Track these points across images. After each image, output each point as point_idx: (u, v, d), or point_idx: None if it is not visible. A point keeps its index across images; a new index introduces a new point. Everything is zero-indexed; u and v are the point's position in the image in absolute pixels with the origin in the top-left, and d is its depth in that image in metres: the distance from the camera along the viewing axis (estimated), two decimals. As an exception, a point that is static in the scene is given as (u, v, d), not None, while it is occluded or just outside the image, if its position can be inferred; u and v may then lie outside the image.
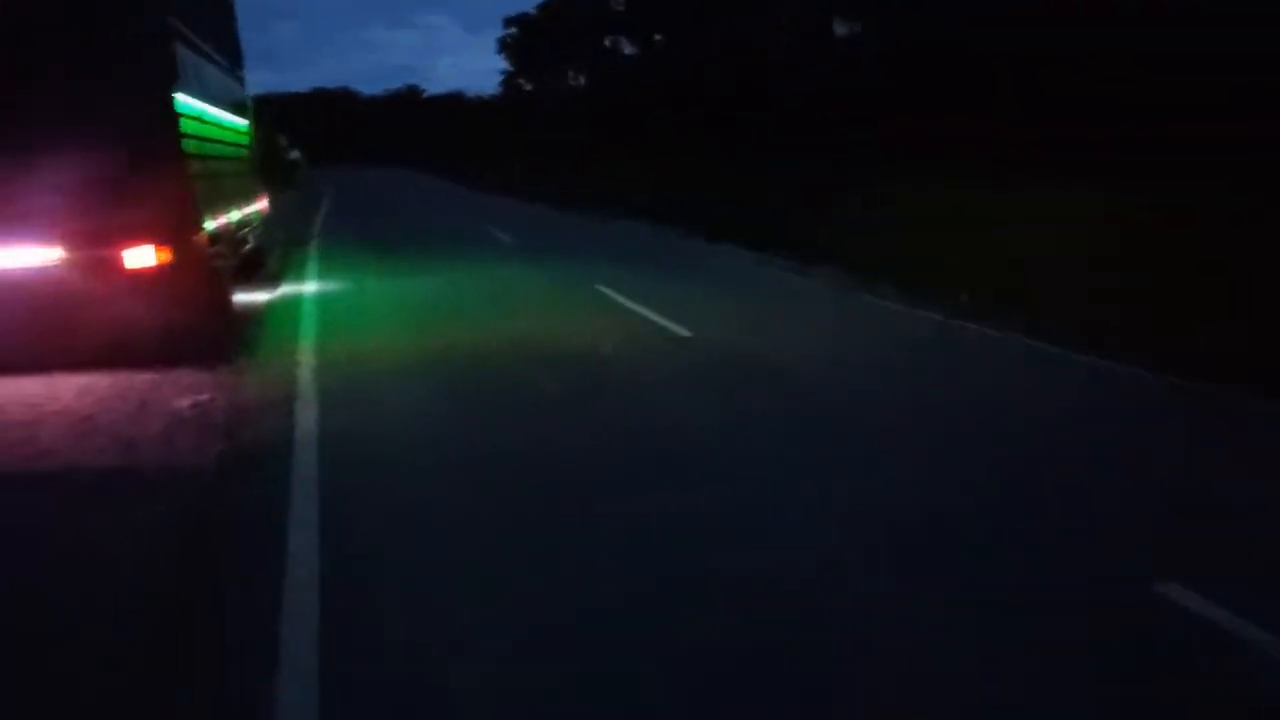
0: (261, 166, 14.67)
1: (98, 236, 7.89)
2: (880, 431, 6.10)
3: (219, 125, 10.53)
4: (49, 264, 7.92)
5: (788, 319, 10.25)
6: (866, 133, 43.48)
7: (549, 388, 7.32)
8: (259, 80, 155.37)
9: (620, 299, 11.13)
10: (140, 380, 7.73)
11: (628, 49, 77.01)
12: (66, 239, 7.85)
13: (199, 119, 9.17)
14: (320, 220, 23.33)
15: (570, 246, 17.95)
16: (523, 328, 9.64)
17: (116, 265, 8.01)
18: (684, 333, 9.22)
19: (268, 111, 17.67)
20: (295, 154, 16.74)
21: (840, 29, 63.03)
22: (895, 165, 26.62)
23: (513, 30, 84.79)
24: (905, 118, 40.27)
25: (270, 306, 11.25)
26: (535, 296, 11.71)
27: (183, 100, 8.32)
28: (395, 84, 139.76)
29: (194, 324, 8.36)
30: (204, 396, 7.23)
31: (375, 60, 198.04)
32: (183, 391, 7.41)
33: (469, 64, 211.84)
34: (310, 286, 12.57)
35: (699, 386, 7.34)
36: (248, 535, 4.71)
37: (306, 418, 6.62)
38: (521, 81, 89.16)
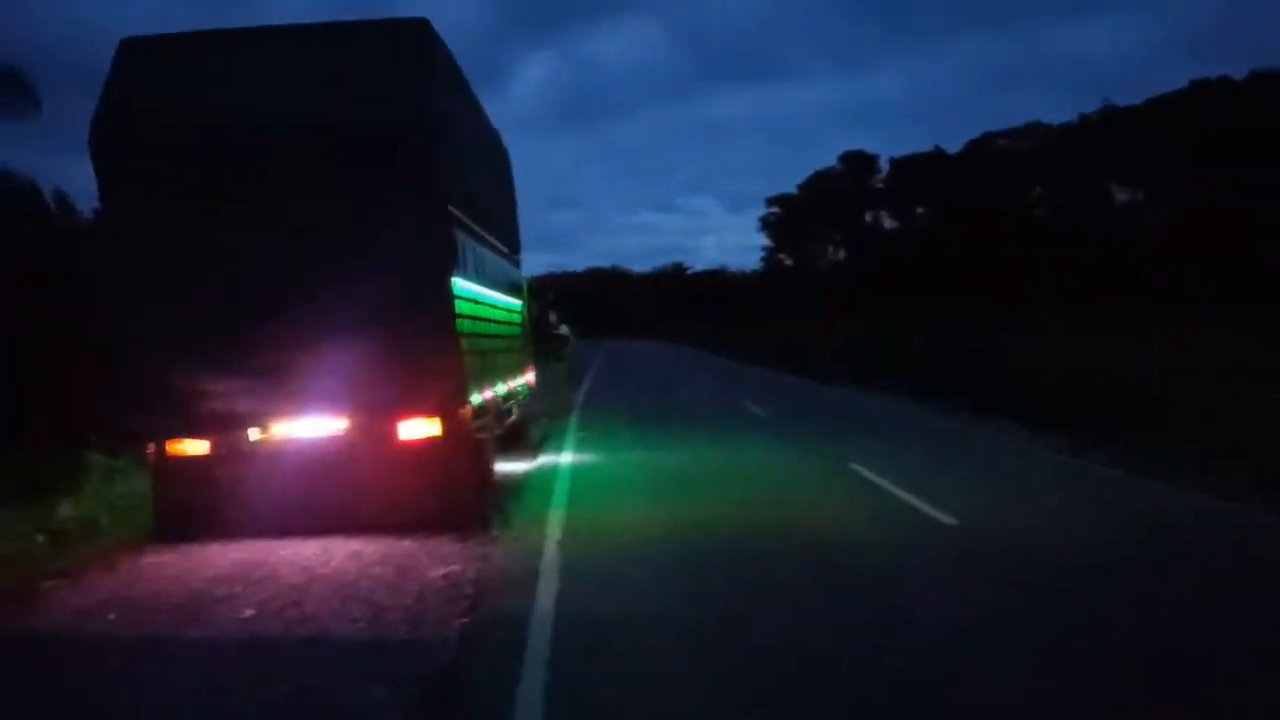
0: (531, 341, 15.60)
1: (376, 408, 8.51)
2: (1207, 673, 5.08)
3: (492, 305, 11.31)
4: (335, 434, 8.60)
5: (1068, 512, 9.18)
6: (1144, 296, 40.26)
7: (798, 575, 6.85)
8: (539, 260, 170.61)
9: (876, 479, 10.50)
10: (403, 548, 8.05)
11: (888, 222, 77.63)
12: (350, 411, 8.52)
13: (473, 300, 9.86)
14: (584, 392, 24.42)
15: (825, 421, 17.50)
16: (774, 507, 9.27)
17: (391, 436, 8.57)
18: (947, 520, 8.45)
19: (543, 289, 18.95)
20: (565, 329, 17.76)
21: (1120, 195, 60.19)
22: (1179, 325, 24.27)
23: (774, 209, 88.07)
24: (1187, 280, 37.02)
25: (528, 477, 11.61)
26: (788, 473, 11.32)
27: (459, 284, 8.98)
28: (663, 262, 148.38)
29: (456, 493, 8.71)
30: (456, 567, 7.38)
31: (645, 241, 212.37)
32: (438, 561, 7.61)
33: (731, 241, 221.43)
34: (566, 457, 12.93)
35: (964, 587, 6.57)
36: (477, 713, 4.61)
37: (547, 593, 6.55)
38: (781, 256, 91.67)
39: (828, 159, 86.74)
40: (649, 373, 35.97)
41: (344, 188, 8.37)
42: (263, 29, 9.10)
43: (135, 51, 8.65)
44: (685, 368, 40.10)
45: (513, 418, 13.11)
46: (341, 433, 8.59)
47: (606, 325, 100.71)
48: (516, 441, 14.02)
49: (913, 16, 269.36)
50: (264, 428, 8.64)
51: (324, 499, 8.52)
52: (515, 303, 14.00)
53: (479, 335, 10.15)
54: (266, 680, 5.12)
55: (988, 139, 64.60)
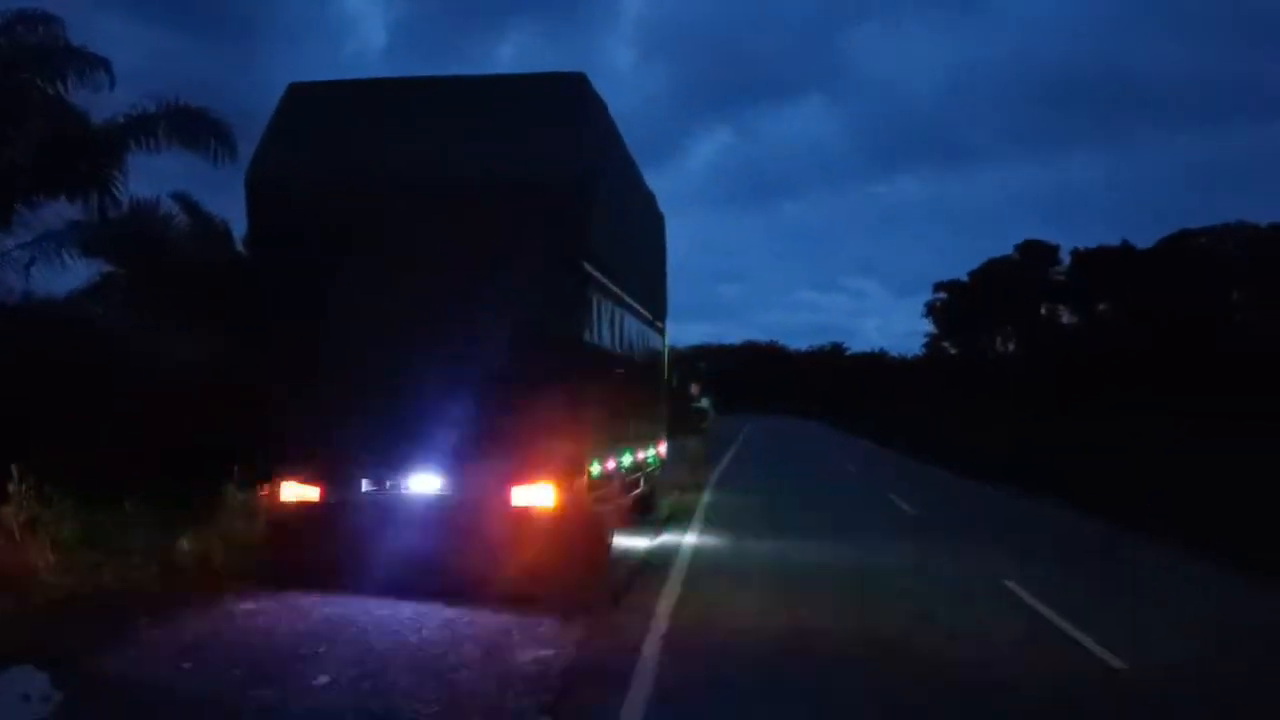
0: (667, 413, 15.07)
1: (490, 470, 8.12)
2: None
3: (625, 371, 10.85)
4: (446, 494, 8.26)
5: (1249, 662, 7.74)
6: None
7: (905, 698, 5.91)
8: (696, 331, 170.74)
9: (1035, 604, 9.26)
10: (498, 622, 7.54)
11: (1066, 317, 73.51)
12: (464, 470, 8.16)
13: (604, 364, 9.43)
14: (720, 469, 23.64)
15: (978, 527, 16.04)
16: (915, 628, 8.21)
17: (504, 501, 8.15)
18: (1115, 663, 7.22)
19: (693, 359, 18.47)
20: (704, 403, 17.18)
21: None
22: None
23: (941, 295, 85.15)
24: None
25: (646, 555, 10.96)
26: (934, 587, 10.17)
27: (590, 345, 8.56)
28: (821, 341, 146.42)
29: (564, 569, 8.18)
30: (548, 652, 6.80)
31: (805, 319, 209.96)
32: (531, 642, 7.05)
33: (893, 326, 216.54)
34: (690, 538, 12.21)
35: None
36: None
37: (639, 697, 5.87)
38: (946, 344, 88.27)
39: (1003, 248, 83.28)
40: (794, 456, 34.77)
41: (482, 239, 8.17)
42: (424, 79, 9.16)
43: (301, 95, 8.81)
44: (834, 453, 38.59)
45: (639, 490, 12.54)
46: (453, 493, 8.25)
47: (758, 400, 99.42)
48: (642, 515, 13.43)
49: (1107, 108, 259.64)
50: (377, 480, 8.41)
51: (428, 560, 8.16)
52: (651, 369, 13.54)
53: (607, 400, 9.68)
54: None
55: (1185, 236, 60.50)
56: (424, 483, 8.33)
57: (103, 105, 14.72)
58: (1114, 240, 68.33)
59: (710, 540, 12.17)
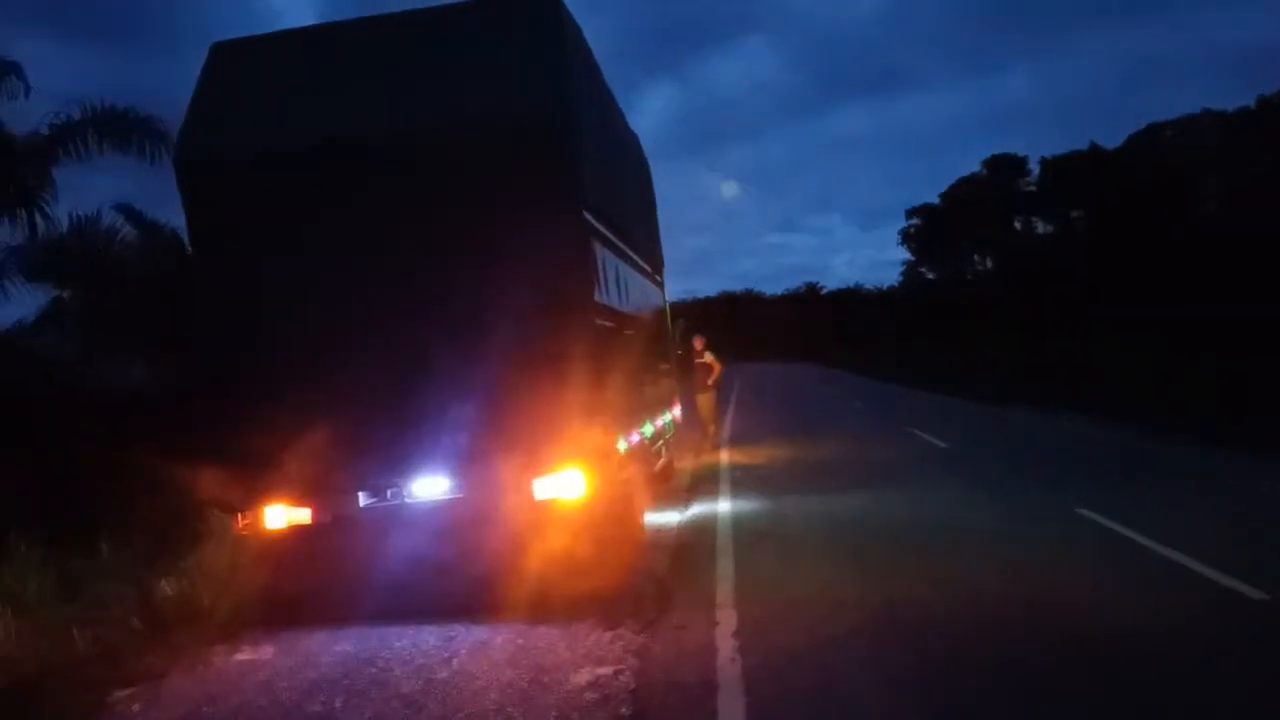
0: (676, 372, 13.95)
1: (506, 462, 6.98)
2: None
3: (637, 333, 9.71)
4: (454, 495, 7.13)
5: None
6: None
7: (1072, 682, 4.88)
8: (672, 288, 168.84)
9: (1122, 530, 8.31)
10: (540, 638, 6.46)
11: (1041, 228, 72.64)
12: (471, 467, 7.02)
13: (617, 326, 8.29)
14: (729, 423, 22.58)
15: (1016, 452, 15.09)
16: (1001, 574, 7.23)
17: (525, 495, 7.03)
18: (1253, 594, 6.26)
19: (683, 315, 17.38)
20: (709, 357, 16.09)
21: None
22: None
23: (914, 221, 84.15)
24: None
25: (681, 533, 9.89)
26: (1003, 525, 9.16)
27: (599, 303, 7.41)
28: (795, 283, 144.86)
29: (605, 564, 7.10)
30: (606, 670, 5.72)
31: (776, 262, 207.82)
32: (584, 659, 5.98)
33: (864, 258, 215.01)
34: (724, 505, 11.14)
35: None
36: None
37: (732, 716, 4.82)
38: (923, 270, 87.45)
39: (964, 169, 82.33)
40: (795, 399, 33.81)
41: (461, 197, 6.95)
42: (368, 19, 7.72)
43: (226, 55, 7.50)
44: (834, 391, 37.68)
45: (662, 460, 11.46)
46: (465, 493, 7.11)
47: (742, 349, 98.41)
48: (665, 486, 12.36)
49: (1040, 15, 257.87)
50: (375, 490, 7.26)
51: (446, 574, 7.04)
52: (658, 327, 12.40)
53: (624, 367, 8.55)
54: None
55: (1152, 130, 59.61)
56: (430, 486, 7.18)
57: (22, 119, 13.63)
58: (1082, 145, 67.38)
59: (746, 505, 11.10)
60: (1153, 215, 54.02)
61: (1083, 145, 67.12)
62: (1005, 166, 74.43)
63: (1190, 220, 52.84)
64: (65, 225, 13.98)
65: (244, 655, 6.68)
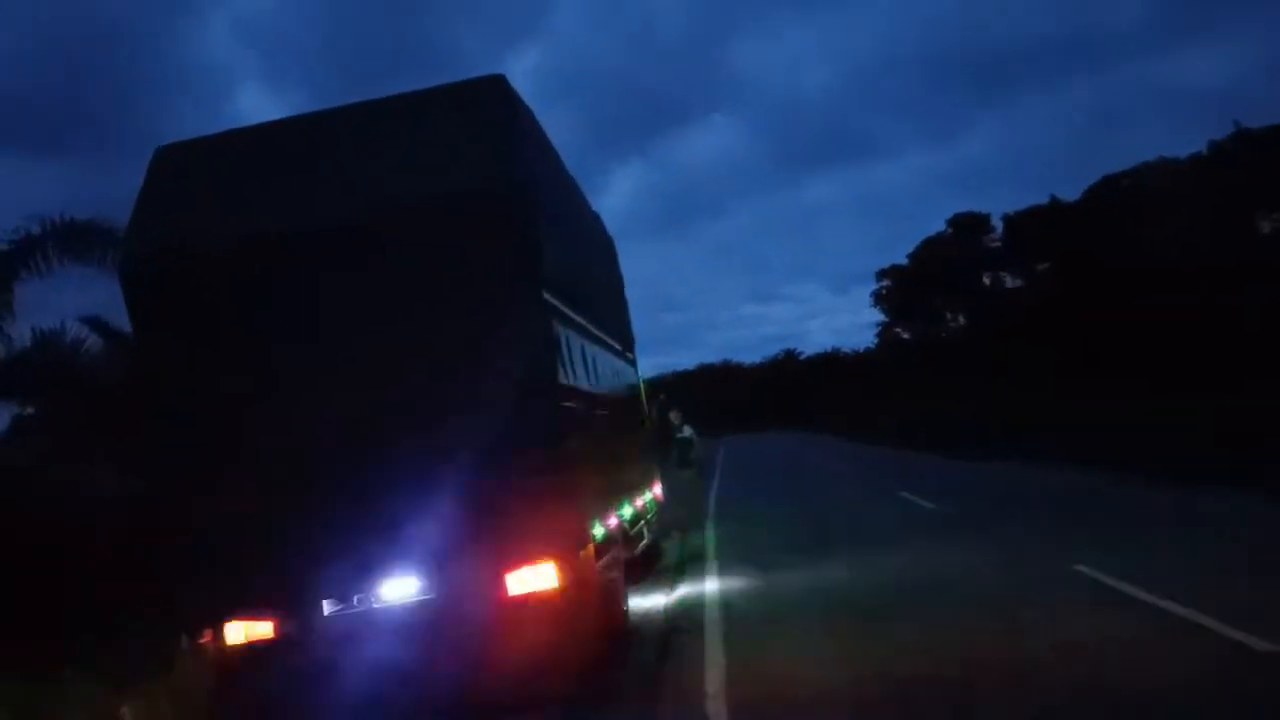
0: (654, 449, 13.68)
1: (475, 559, 6.67)
2: None
3: (608, 413, 9.47)
4: (423, 596, 6.78)
5: None
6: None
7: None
8: (650, 363, 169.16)
9: (1124, 587, 8.02)
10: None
11: (1010, 282, 73.53)
12: (441, 565, 6.69)
13: (586, 407, 8.05)
14: (714, 497, 22.21)
15: (1003, 507, 14.86)
16: (1007, 641, 6.92)
17: (497, 592, 6.70)
18: (1259, 645, 5.98)
19: (660, 389, 17.19)
20: (688, 431, 15.83)
21: (1264, 225, 55.44)
22: None
23: (885, 282, 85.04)
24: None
25: (668, 617, 9.50)
26: (1001, 587, 8.89)
27: (565, 386, 7.19)
28: (773, 351, 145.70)
29: (583, 658, 6.74)
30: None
31: (754, 333, 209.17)
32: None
33: (839, 323, 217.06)
34: (711, 585, 10.76)
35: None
36: None
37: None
38: (898, 330, 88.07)
39: (931, 230, 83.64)
40: (779, 467, 33.48)
41: (419, 287, 6.75)
42: (318, 113, 7.63)
43: (171, 158, 7.35)
44: (815, 456, 37.43)
45: (644, 542, 11.12)
46: (436, 594, 6.76)
47: (722, 420, 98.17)
48: (650, 569, 11.99)
49: (995, 75, 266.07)
50: (341, 596, 6.90)
51: (419, 680, 6.64)
52: (632, 405, 12.17)
53: (596, 449, 8.29)
54: None
55: (1108, 181, 60.89)
56: (399, 588, 6.84)
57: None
58: (1041, 199, 68.67)
59: (734, 582, 10.73)
60: (1114, 263, 54.83)
61: (1043, 199, 68.40)
62: (969, 224, 75.73)
63: (1152, 264, 53.66)
64: (29, 340, 13.78)
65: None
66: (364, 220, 6.74)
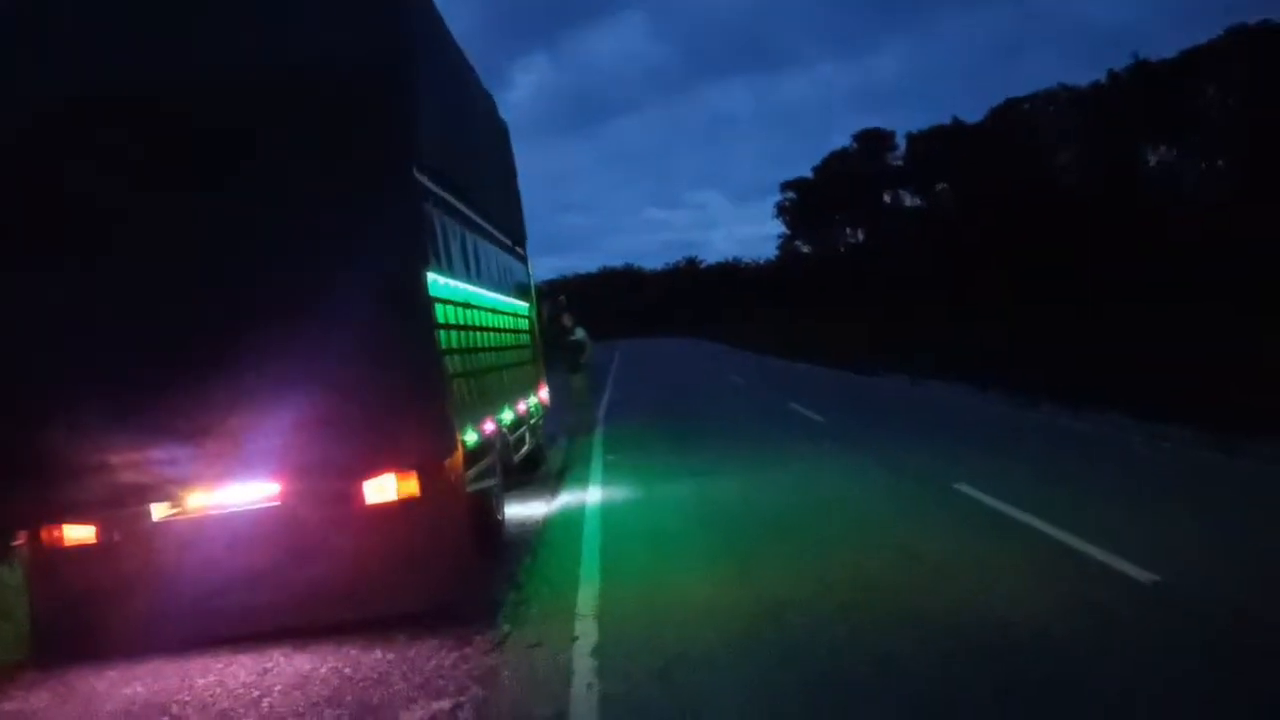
0: (542, 352, 13.11)
1: (327, 464, 6.03)
2: None
3: (491, 310, 8.83)
4: (268, 502, 6.15)
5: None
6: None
7: (935, 669, 4.37)
8: (550, 265, 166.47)
9: (1002, 507, 7.97)
10: (371, 664, 5.59)
11: (909, 200, 74.58)
12: (288, 469, 6.05)
13: (464, 304, 7.40)
14: (605, 402, 21.89)
15: (891, 423, 14.94)
16: (883, 561, 6.74)
17: (351, 501, 6.12)
18: (1142, 576, 5.91)
19: (555, 291, 16.57)
20: (581, 334, 15.32)
21: (1151, 157, 57.22)
22: None
23: (789, 194, 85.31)
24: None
25: (547, 525, 9.11)
26: (883, 506, 8.77)
27: (440, 282, 6.52)
28: (675, 258, 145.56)
29: (446, 573, 6.25)
30: (444, 704, 4.90)
31: (656, 238, 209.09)
32: (420, 689, 5.14)
33: (742, 233, 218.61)
34: (594, 494, 10.40)
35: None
36: None
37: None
38: (798, 243, 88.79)
39: (836, 145, 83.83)
40: (674, 375, 33.42)
41: (274, 160, 5.93)
42: None
43: None
44: (711, 365, 37.53)
45: (525, 448, 10.63)
46: (281, 499, 6.13)
47: (623, 325, 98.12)
48: (531, 473, 11.56)
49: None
50: (173, 500, 6.20)
51: (260, 591, 6.05)
52: (522, 305, 11.53)
53: (473, 351, 7.68)
54: None
55: (1011, 105, 61.69)
56: (241, 493, 6.18)
57: None
58: (945, 120, 69.29)
59: (618, 493, 10.40)
60: (1013, 186, 55.94)
61: (946, 120, 69.07)
62: (874, 141, 76.15)
63: (1048, 190, 54.95)
64: None
65: (10, 704, 5.57)
66: (222, 81, 5.86)
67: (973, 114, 70.56)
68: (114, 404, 5.85)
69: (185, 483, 6.04)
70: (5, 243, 5.93)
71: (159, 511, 6.16)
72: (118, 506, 6.00)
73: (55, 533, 6.05)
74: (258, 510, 6.12)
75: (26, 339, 5.93)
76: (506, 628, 6.01)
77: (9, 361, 5.93)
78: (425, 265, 6.08)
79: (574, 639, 5.66)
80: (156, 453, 5.94)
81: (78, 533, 6.06)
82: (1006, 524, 7.58)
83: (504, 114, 11.93)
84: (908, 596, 5.93)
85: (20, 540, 6.27)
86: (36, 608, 6.22)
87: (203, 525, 6.13)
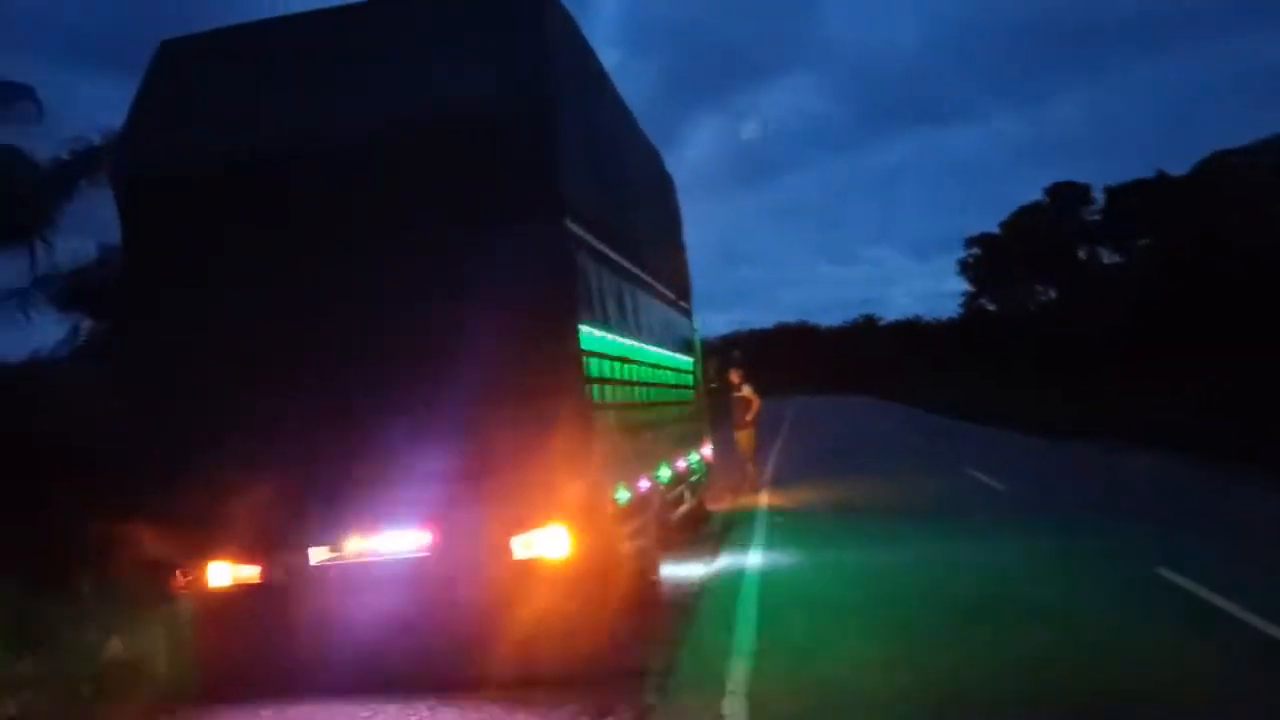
0: (706, 408, 12.87)
1: (479, 515, 5.99)
2: None
3: (648, 365, 8.69)
4: (420, 551, 6.16)
5: None
6: None
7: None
8: (725, 320, 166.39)
9: (1212, 598, 6.99)
10: (510, 726, 5.43)
11: (1106, 257, 69.99)
12: (440, 520, 6.05)
13: (618, 358, 7.28)
14: (772, 463, 21.33)
15: (1086, 494, 13.70)
16: (1059, 654, 6.01)
17: (499, 555, 6.03)
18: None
19: (729, 346, 16.32)
20: (746, 391, 15.01)
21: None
22: None
23: (974, 250, 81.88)
24: None
25: (704, 589, 8.77)
26: (1058, 584, 7.93)
27: (592, 333, 6.42)
28: (851, 314, 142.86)
29: (595, 633, 6.04)
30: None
31: (829, 294, 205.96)
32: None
33: (921, 289, 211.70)
34: (754, 559, 9.97)
35: None
36: None
37: None
38: (984, 301, 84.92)
39: (1016, 198, 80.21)
40: (848, 435, 32.33)
41: (427, 208, 6.06)
42: (334, 10, 6.81)
43: (175, 53, 6.71)
44: (888, 425, 36.12)
45: (684, 506, 10.37)
46: (434, 550, 6.12)
47: (796, 381, 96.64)
48: (694, 532, 11.27)
49: (1090, 43, 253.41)
50: (331, 545, 6.33)
51: (410, 641, 6.04)
52: (685, 360, 11.37)
53: (628, 406, 7.53)
54: None
55: (1220, 157, 57.14)
56: (395, 541, 6.24)
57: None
58: (1140, 173, 65.03)
59: (780, 558, 9.94)
60: (1227, 242, 51.56)
61: (1142, 173, 64.84)
62: (1068, 195, 72.20)
63: (1269, 246, 50.28)
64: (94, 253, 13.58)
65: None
66: (372, 130, 6.06)
67: (1168, 166, 65.75)
68: (285, 454, 6.04)
69: (343, 528, 6.15)
70: (189, 291, 6.28)
71: (316, 556, 6.28)
72: (281, 549, 6.17)
73: (222, 570, 6.26)
74: (410, 559, 6.14)
75: (203, 383, 6.23)
76: (651, 700, 5.72)
77: (186, 409, 6.24)
78: (577, 317, 6.01)
79: (720, 718, 5.30)
80: (317, 497, 6.09)
81: (244, 572, 6.26)
82: (1216, 617, 6.65)
83: (675, 171, 11.95)
84: (1096, 702, 5.23)
85: (182, 580, 6.52)
86: (200, 645, 6.45)
87: (357, 572, 6.21)
